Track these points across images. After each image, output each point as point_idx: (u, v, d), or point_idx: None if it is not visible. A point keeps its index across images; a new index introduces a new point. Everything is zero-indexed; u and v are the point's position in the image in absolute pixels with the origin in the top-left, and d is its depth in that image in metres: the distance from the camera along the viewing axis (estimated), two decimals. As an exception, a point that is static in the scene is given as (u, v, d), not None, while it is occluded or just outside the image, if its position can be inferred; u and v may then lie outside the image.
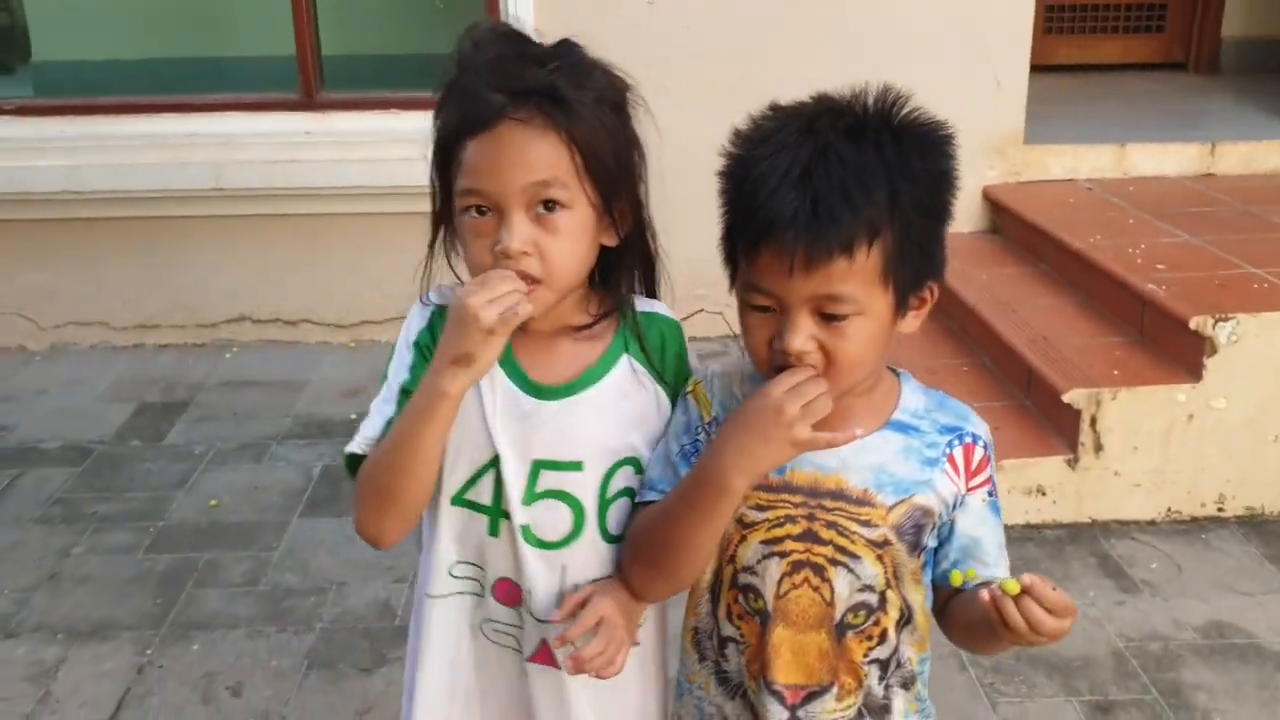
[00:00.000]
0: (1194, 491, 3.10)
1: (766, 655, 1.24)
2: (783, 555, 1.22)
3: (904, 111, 1.16)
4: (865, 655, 1.25)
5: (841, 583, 1.22)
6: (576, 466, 1.28)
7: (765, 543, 1.23)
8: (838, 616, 1.23)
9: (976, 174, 4.27)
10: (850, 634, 1.24)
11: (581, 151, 1.19)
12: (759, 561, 1.23)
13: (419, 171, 4.10)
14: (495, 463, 1.27)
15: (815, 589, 1.22)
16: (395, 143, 3.99)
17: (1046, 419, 3.12)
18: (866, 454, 1.23)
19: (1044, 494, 3.02)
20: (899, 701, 1.29)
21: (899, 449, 1.24)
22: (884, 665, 1.26)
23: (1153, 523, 3.11)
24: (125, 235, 4.24)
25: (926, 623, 1.29)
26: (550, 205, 1.18)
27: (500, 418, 1.27)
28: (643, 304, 1.36)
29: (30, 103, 4.25)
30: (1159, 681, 2.50)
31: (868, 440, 1.23)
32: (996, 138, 4.25)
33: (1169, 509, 3.11)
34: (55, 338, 4.37)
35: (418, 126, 3.86)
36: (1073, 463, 3.02)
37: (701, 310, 4.37)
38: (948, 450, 1.25)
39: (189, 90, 4.28)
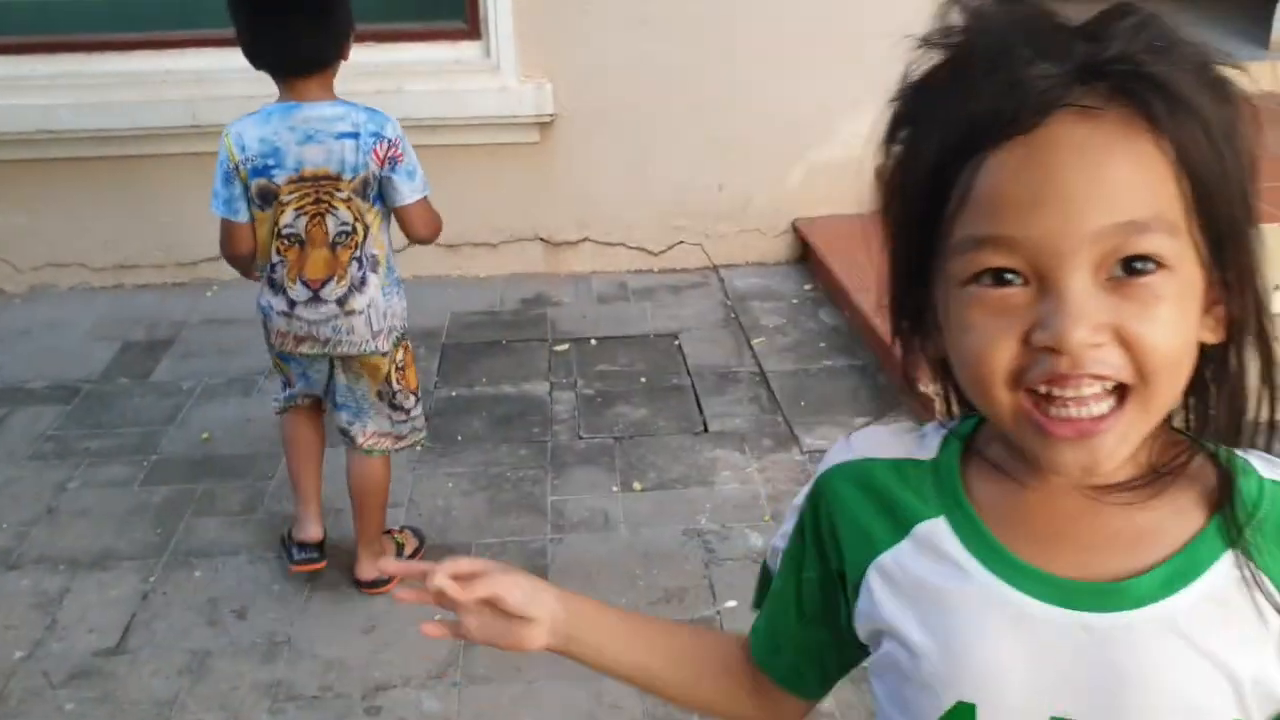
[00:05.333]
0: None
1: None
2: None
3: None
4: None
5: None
6: None
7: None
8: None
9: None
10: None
11: (1192, 172, 0.68)
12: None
13: (389, 104, 4.01)
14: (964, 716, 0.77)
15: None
16: (367, 76, 3.99)
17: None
18: None
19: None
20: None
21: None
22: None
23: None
24: (102, 175, 4.21)
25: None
26: (1140, 263, 0.67)
27: (976, 636, 0.76)
28: (1258, 458, 0.78)
29: (4, 41, 4.18)
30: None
31: None
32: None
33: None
34: (34, 280, 4.34)
35: (387, 60, 3.84)
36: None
37: (681, 242, 4.41)
38: None
39: (162, 27, 4.22)
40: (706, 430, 3.17)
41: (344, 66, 4.23)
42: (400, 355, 2.46)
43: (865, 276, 3.79)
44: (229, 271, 4.30)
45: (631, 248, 4.41)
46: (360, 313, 2.33)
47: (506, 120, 4.13)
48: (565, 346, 3.75)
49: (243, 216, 2.26)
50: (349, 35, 2.29)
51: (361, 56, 4.15)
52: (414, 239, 2.39)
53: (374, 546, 2.54)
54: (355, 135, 2.23)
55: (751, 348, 3.68)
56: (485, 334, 3.87)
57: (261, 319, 2.43)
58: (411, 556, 2.61)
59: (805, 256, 4.37)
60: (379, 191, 2.30)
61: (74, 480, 3.02)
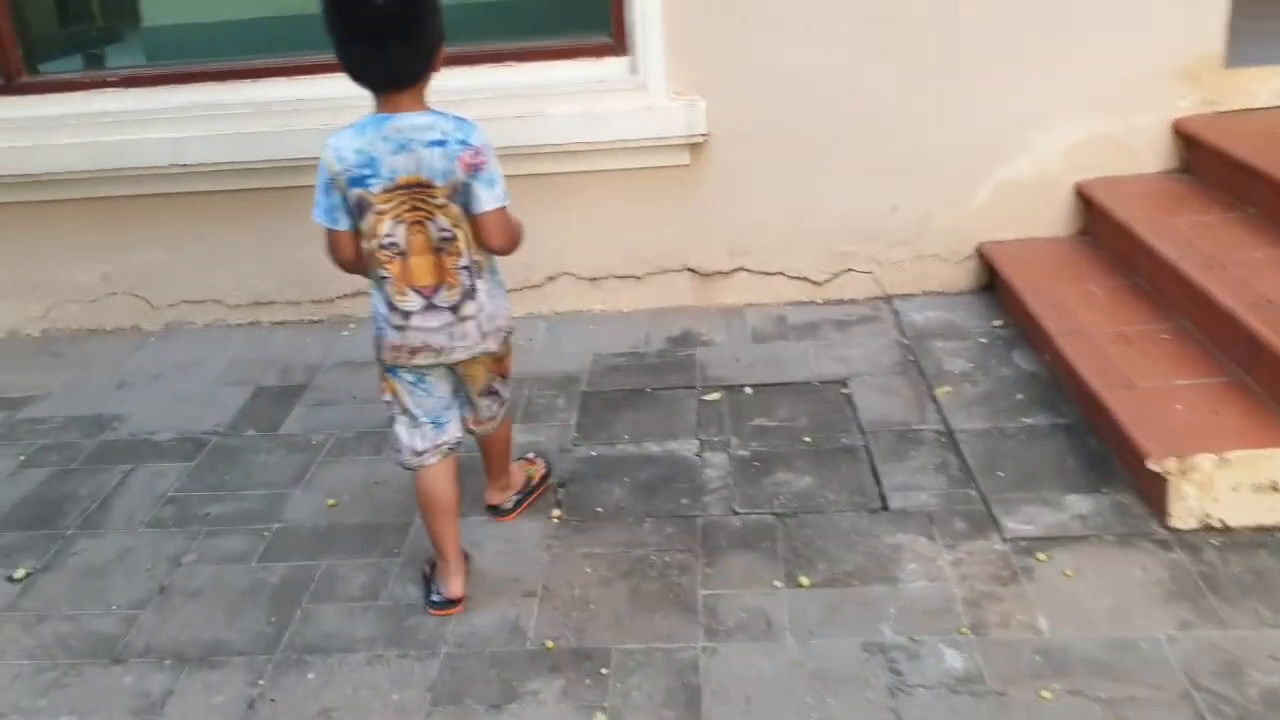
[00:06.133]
0: None
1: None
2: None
3: None
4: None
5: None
6: None
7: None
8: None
9: (1165, 105, 3.72)
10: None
11: None
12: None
13: (532, 129, 3.71)
14: None
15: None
16: (508, 99, 3.70)
17: (1276, 399, 2.64)
18: None
19: (1278, 491, 2.55)
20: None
21: None
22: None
23: None
24: (235, 208, 4.04)
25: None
26: None
27: None
28: None
29: (135, 73, 4.04)
30: None
31: None
32: (1190, 61, 3.69)
33: None
34: (170, 317, 4.21)
35: (527, 81, 3.35)
36: (1312, 451, 2.54)
37: (849, 270, 3.96)
38: None
39: (298, 50, 4.00)
40: (885, 507, 2.73)
41: (484, 91, 4.12)
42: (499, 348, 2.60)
43: (1070, 315, 3.26)
44: (365, 308, 4.15)
45: (792, 277, 3.98)
46: (472, 318, 2.39)
47: (655, 142, 3.77)
48: (716, 395, 3.37)
49: (342, 225, 2.30)
50: (439, 49, 2.29)
51: (501, 79, 3.87)
52: (490, 248, 2.36)
53: (502, 480, 2.85)
54: (443, 143, 2.23)
55: (935, 399, 3.21)
56: (629, 380, 3.51)
57: (374, 334, 2.44)
58: (539, 484, 2.93)
59: (992, 285, 3.86)
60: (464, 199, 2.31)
61: (190, 554, 2.80)
